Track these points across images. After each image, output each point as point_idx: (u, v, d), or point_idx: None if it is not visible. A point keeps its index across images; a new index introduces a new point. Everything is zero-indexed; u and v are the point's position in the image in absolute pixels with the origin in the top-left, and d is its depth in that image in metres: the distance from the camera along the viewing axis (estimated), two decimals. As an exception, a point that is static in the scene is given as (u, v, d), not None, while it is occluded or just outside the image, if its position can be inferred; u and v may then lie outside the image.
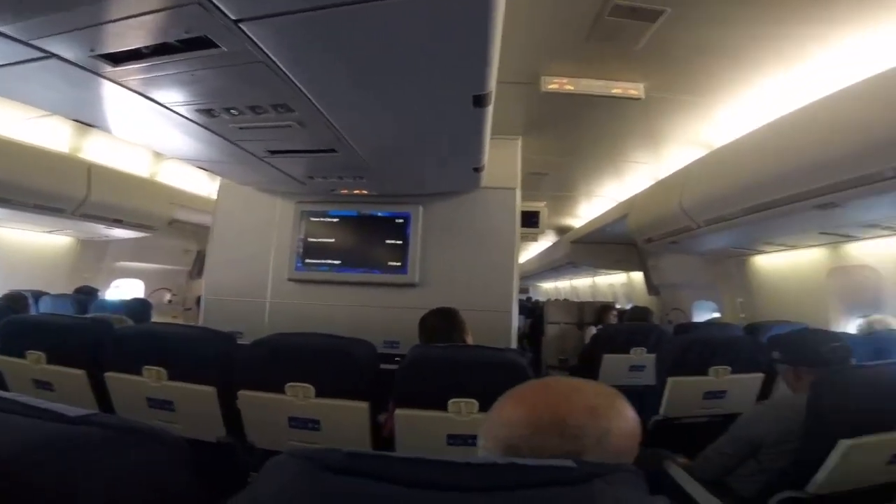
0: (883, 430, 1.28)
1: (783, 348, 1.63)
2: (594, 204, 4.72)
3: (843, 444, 1.26)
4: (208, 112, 1.52)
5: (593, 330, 4.32)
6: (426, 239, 2.69)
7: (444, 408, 1.32)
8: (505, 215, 2.73)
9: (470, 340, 1.75)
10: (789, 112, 2.02)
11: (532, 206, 4.53)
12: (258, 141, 1.85)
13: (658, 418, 2.24)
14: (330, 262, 2.74)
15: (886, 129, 1.53)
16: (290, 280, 2.77)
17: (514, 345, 2.78)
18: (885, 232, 2.38)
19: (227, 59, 1.17)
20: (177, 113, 1.53)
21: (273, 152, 1.98)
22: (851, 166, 1.69)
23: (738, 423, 1.61)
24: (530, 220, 4.60)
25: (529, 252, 8.74)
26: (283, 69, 1.22)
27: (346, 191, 2.65)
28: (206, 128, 1.67)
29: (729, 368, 2.12)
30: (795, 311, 3.10)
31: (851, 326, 2.81)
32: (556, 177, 3.96)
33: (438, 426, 1.34)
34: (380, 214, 2.74)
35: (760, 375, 2.18)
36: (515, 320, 2.76)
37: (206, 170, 2.53)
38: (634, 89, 2.16)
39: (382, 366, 1.62)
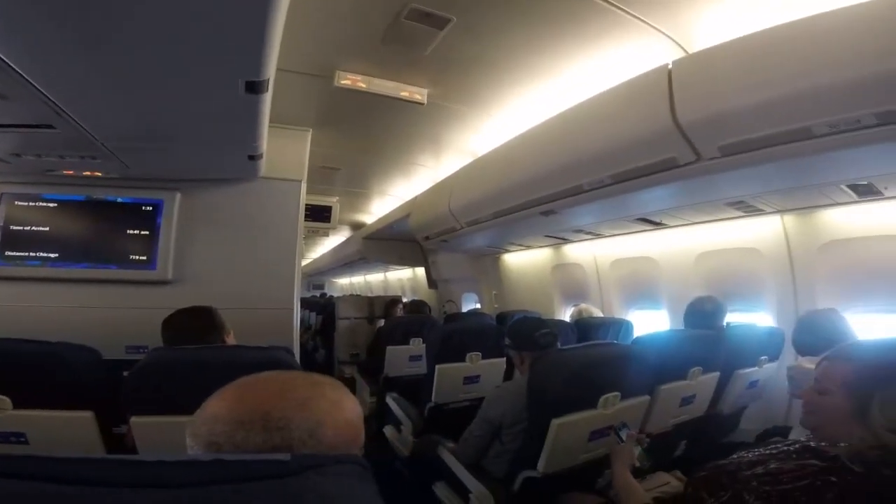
0: (583, 409, 1.42)
1: (509, 335, 1.88)
2: (386, 202, 4.86)
3: (555, 424, 1.36)
4: None
5: (381, 323, 4.54)
6: (186, 230, 2.35)
7: (190, 413, 1.16)
8: (288, 208, 2.59)
9: (231, 341, 1.59)
10: (528, 128, 2.31)
11: (324, 200, 4.44)
12: None
13: (431, 405, 2.46)
14: (43, 254, 2.14)
15: (584, 149, 1.84)
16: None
17: (296, 342, 2.68)
18: (588, 236, 3.08)
19: None
20: None
21: None
22: (562, 179, 2.02)
23: (482, 406, 1.78)
24: (322, 215, 4.50)
25: (324, 247, 8.55)
26: None
27: (71, 172, 2.10)
28: None
29: (480, 354, 2.48)
30: (533, 302, 3.88)
31: (566, 314, 3.67)
32: (349, 172, 3.94)
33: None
34: (120, 200, 2.27)
35: (503, 360, 2.58)
36: (297, 316, 2.66)
37: None
38: (419, 94, 2.28)
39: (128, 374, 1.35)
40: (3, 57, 1.05)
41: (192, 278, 2.35)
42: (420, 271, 6.00)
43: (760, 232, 2.27)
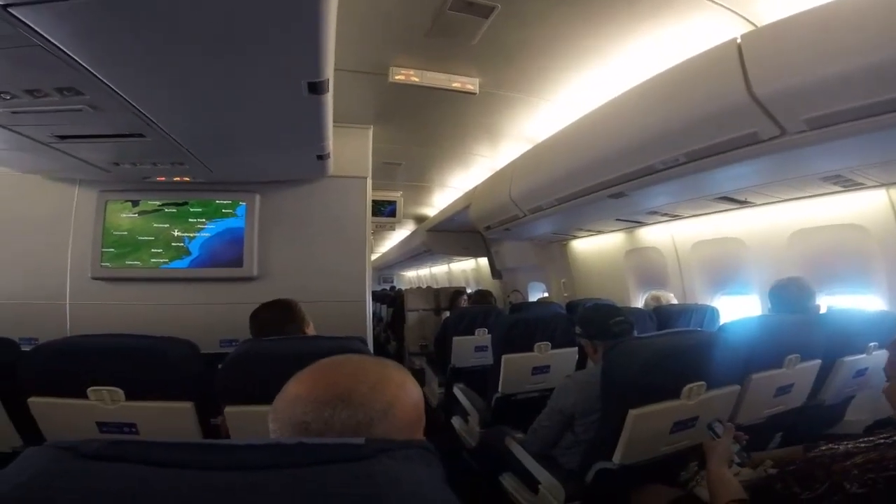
0: (664, 399, 1.35)
1: (580, 324, 1.81)
2: (447, 194, 4.92)
3: (632, 414, 1.31)
4: None
5: (447, 315, 4.60)
6: (266, 229, 2.52)
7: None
8: (356, 204, 2.71)
9: (311, 332, 1.70)
10: (591, 110, 2.24)
11: (388, 195, 4.59)
12: (41, 126, 1.57)
13: (498, 395, 2.43)
14: (142, 255, 2.40)
15: (655, 128, 1.76)
16: (94, 279, 2.36)
17: (369, 333, 2.80)
18: (664, 218, 2.90)
19: None
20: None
21: (62, 137, 1.69)
22: (632, 160, 1.94)
23: (553, 396, 1.73)
24: (387, 210, 4.65)
25: (391, 241, 8.83)
26: (67, 52, 1.04)
27: (163, 178, 2.33)
28: None
29: (549, 344, 2.41)
30: (604, 289, 3.72)
31: (641, 301, 3.48)
32: (410, 167, 4.02)
33: None
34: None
35: (575, 349, 2.49)
36: (370, 308, 2.77)
37: None
38: (471, 84, 2.28)
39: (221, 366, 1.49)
40: (94, 72, 1.17)
41: (273, 274, 2.53)
42: (483, 262, 5.99)
43: (864, 207, 2.02)
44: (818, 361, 1.71)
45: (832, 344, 1.72)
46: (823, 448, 1.02)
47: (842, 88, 1.22)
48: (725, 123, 1.53)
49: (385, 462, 0.38)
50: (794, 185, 2.01)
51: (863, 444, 0.96)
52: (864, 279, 2.12)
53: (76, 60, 1.10)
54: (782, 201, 2.29)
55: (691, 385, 1.36)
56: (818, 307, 1.98)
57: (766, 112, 1.40)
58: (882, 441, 0.94)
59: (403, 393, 0.59)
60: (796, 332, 1.66)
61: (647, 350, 1.35)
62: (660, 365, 1.33)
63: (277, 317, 1.63)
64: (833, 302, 2.14)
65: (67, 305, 2.40)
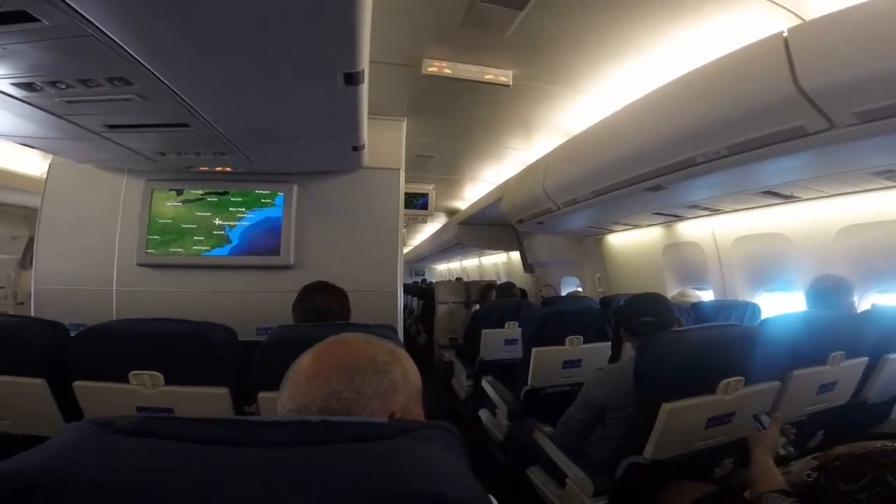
0: (699, 394, 1.33)
1: (616, 317, 1.80)
2: (479, 187, 4.92)
3: (665, 409, 1.29)
4: (28, 86, 1.33)
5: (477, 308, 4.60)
6: (303, 219, 2.59)
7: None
8: (389, 195, 2.74)
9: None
10: (628, 103, 2.21)
11: (420, 188, 4.62)
12: (92, 115, 1.64)
13: (527, 388, 2.41)
14: (185, 243, 2.50)
15: (696, 120, 1.75)
16: (140, 265, 2.48)
17: (400, 323, 2.84)
18: (704, 212, 2.81)
19: (49, 32, 1.02)
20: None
21: (112, 126, 1.77)
22: (671, 152, 1.92)
23: (584, 388, 1.72)
24: (420, 202, 4.69)
25: (423, 234, 8.91)
26: (118, 42, 1.10)
27: (206, 168, 2.43)
28: (25, 102, 1.44)
29: (581, 338, 2.38)
30: (641, 285, 3.61)
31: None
32: (442, 159, 4.04)
33: None
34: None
35: (608, 343, 2.46)
36: (401, 299, 2.82)
37: (33, 147, 2.14)
38: (504, 76, 2.27)
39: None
40: (142, 62, 1.23)
41: (309, 263, 2.58)
42: (515, 255, 5.95)
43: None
44: (864, 359, 1.64)
45: (878, 341, 1.66)
46: (870, 444, 1.00)
47: (891, 82, 1.20)
48: (771, 116, 1.50)
49: (407, 442, 0.39)
50: (842, 179, 1.93)
51: None
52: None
53: (126, 51, 1.15)
54: (830, 196, 2.19)
55: (728, 380, 1.32)
56: (853, 304, 1.91)
57: (814, 105, 1.37)
58: None
59: (409, 363, 0.62)
60: (841, 329, 1.60)
61: (682, 344, 1.32)
62: (695, 359, 1.30)
63: (335, 302, 1.63)
64: (882, 300, 2.04)
65: (114, 291, 2.49)
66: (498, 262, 8.01)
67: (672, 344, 1.34)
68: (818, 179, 1.96)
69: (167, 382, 1.31)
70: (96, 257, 2.50)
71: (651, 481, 1.44)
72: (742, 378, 1.34)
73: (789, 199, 2.28)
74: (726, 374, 1.33)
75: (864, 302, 2.19)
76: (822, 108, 1.37)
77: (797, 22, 1.64)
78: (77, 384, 1.32)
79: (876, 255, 2.15)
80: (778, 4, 1.66)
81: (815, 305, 1.91)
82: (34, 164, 3.75)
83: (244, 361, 1.37)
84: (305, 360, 0.60)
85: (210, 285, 2.53)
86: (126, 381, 1.30)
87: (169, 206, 2.51)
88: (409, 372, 0.61)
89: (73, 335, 1.41)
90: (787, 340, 1.46)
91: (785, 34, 1.39)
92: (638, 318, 1.66)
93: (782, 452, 1.29)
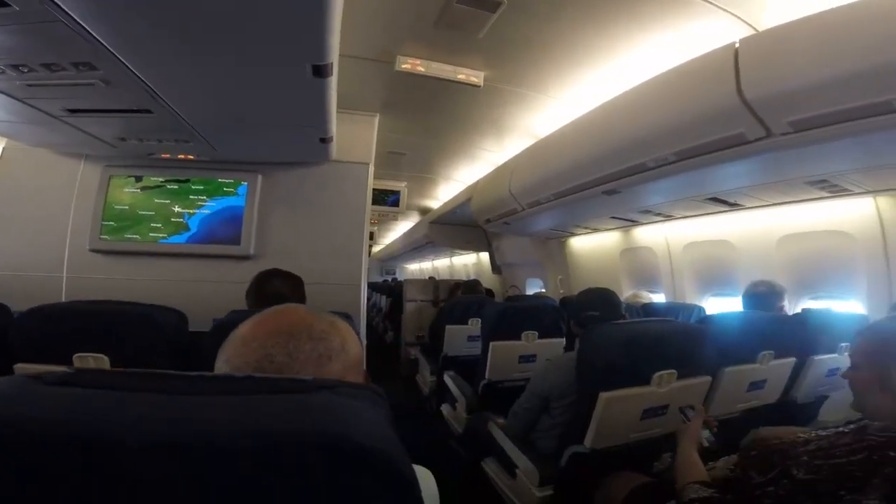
0: (635, 385, 1.39)
1: (567, 311, 1.87)
2: (452, 187, 4.94)
3: (603, 397, 1.35)
4: None
5: (445, 306, 4.64)
6: (266, 209, 2.57)
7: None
8: (357, 189, 2.74)
9: None
10: (590, 109, 2.30)
11: (392, 185, 4.61)
12: (54, 99, 1.62)
13: (485, 382, 2.49)
14: (140, 230, 2.45)
15: (648, 127, 1.82)
16: (92, 251, 2.41)
17: (363, 317, 2.85)
18: (658, 218, 2.93)
19: (19, 17, 1.03)
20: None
21: (73, 111, 1.74)
22: (625, 157, 2.00)
23: (531, 378, 1.78)
24: (391, 199, 4.68)
25: (395, 232, 8.88)
26: (86, 27, 1.10)
27: (167, 155, 2.38)
28: None
29: (537, 333, 2.46)
30: (599, 286, 3.74)
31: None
32: (415, 157, 4.04)
33: None
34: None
35: (562, 340, 2.56)
36: (364, 293, 2.83)
37: None
38: (475, 77, 2.30)
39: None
40: (109, 47, 1.22)
41: (270, 254, 2.57)
42: (484, 256, 6.03)
43: (851, 214, 2.06)
44: (792, 359, 1.75)
45: (806, 343, 1.77)
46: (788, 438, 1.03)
47: (831, 91, 1.26)
48: (714, 124, 1.57)
49: (327, 395, 0.40)
50: (781, 188, 2.04)
51: (823, 433, 0.97)
52: (847, 285, 2.16)
53: (93, 36, 1.15)
54: (772, 205, 2.32)
55: (661, 373, 1.40)
56: (783, 308, 2.03)
57: (753, 112, 1.43)
58: (839, 430, 0.95)
59: (350, 335, 0.63)
60: (771, 330, 1.70)
61: (619, 334, 1.39)
62: (630, 350, 1.37)
63: (290, 290, 1.62)
64: (815, 305, 2.19)
65: (64, 278, 2.42)
66: (468, 263, 8.09)
67: (610, 335, 1.41)
68: (759, 187, 2.08)
69: (113, 365, 1.28)
70: (47, 243, 2.43)
71: (592, 471, 1.50)
72: (674, 371, 1.42)
73: (734, 206, 2.40)
74: (660, 367, 1.40)
75: (799, 307, 2.35)
76: (760, 116, 1.43)
77: (752, 33, 1.71)
78: (18, 367, 1.28)
79: (812, 263, 2.30)
80: (736, 16, 1.72)
81: (751, 308, 2.02)
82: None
83: (194, 348, 1.34)
84: (244, 327, 0.61)
85: (165, 274, 2.48)
86: (69, 363, 1.27)
87: (126, 192, 2.45)
88: (347, 342, 0.61)
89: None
90: (719, 338, 1.55)
91: (737, 45, 1.46)
92: (585, 311, 1.73)
93: (706, 444, 1.33)
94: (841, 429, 0.96)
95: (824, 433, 0.95)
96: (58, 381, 0.40)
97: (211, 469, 0.34)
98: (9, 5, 0.99)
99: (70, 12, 1.04)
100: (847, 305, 2.21)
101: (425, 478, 0.65)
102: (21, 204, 2.43)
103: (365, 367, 0.69)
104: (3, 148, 2.45)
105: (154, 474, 0.34)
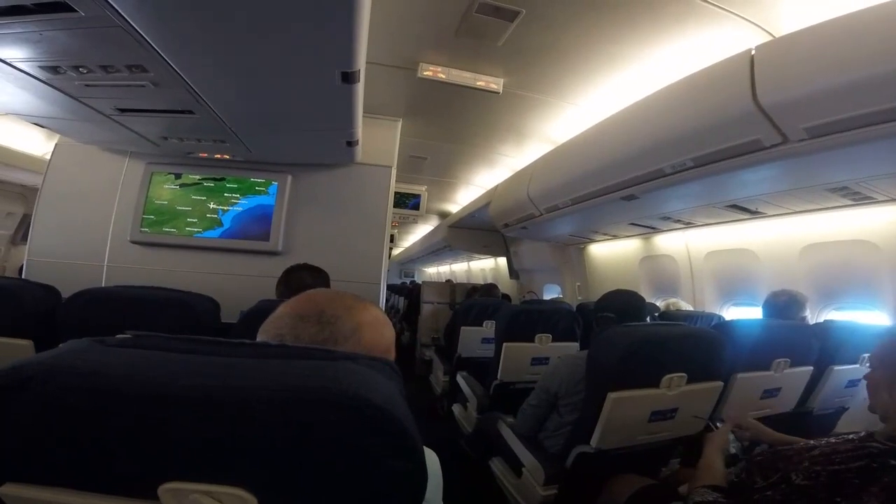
0: (644, 387, 1.40)
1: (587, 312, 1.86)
2: (471, 191, 4.98)
3: (611, 397, 1.36)
4: (53, 69, 1.43)
5: (462, 308, 4.67)
6: (294, 208, 2.69)
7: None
8: (379, 191, 2.84)
9: None
10: (608, 115, 2.32)
11: (413, 188, 4.69)
12: (107, 98, 1.74)
13: (496, 382, 2.52)
14: (178, 224, 2.60)
15: (666, 132, 1.83)
16: (133, 242, 2.56)
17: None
18: (678, 225, 2.91)
19: (83, 22, 1.13)
20: (14, 67, 1.40)
21: (123, 110, 1.87)
22: (643, 163, 2.01)
23: (541, 376, 1.80)
24: (412, 203, 4.76)
25: (415, 235, 8.97)
26: (142, 33, 1.21)
27: (205, 154, 2.52)
28: (47, 83, 1.54)
29: (550, 336, 2.49)
30: (617, 295, 3.73)
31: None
32: (435, 162, 4.12)
33: None
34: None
35: (576, 344, 2.57)
36: (384, 292, 2.91)
37: (44, 126, 2.24)
38: (495, 83, 2.36)
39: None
40: (160, 52, 1.33)
41: (296, 250, 2.68)
42: (502, 262, 6.04)
43: (875, 223, 2.02)
44: (809, 368, 1.73)
45: (825, 352, 1.74)
46: (799, 444, 1.03)
47: (842, 98, 1.26)
48: (730, 130, 1.58)
49: (350, 364, 0.46)
50: (802, 196, 2.02)
51: (832, 440, 0.97)
52: (872, 296, 2.12)
53: (147, 40, 1.25)
54: (795, 213, 2.29)
55: (671, 375, 1.42)
56: (806, 318, 2.00)
57: (770, 120, 1.43)
58: (848, 437, 0.96)
59: (375, 322, 0.67)
60: (787, 337, 1.69)
61: (629, 336, 1.41)
62: (640, 351, 1.39)
63: (318, 281, 1.72)
64: (840, 317, 2.15)
65: (105, 267, 2.59)
66: (486, 268, 8.11)
67: (621, 336, 1.43)
68: (780, 194, 2.06)
69: None
70: (91, 234, 2.59)
71: (597, 471, 1.51)
72: (685, 375, 1.44)
73: (755, 214, 2.38)
74: (670, 370, 1.42)
75: (822, 318, 2.32)
76: (776, 122, 1.43)
77: (768, 39, 1.72)
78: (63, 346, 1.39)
79: (836, 273, 2.26)
80: (753, 23, 1.72)
81: (770, 318, 1.99)
82: (35, 144, 3.83)
83: (225, 335, 1.42)
84: (280, 307, 0.68)
85: (198, 266, 2.62)
86: None
87: (166, 188, 2.60)
88: (363, 328, 0.65)
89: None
90: (731, 343, 1.55)
91: (753, 51, 1.46)
92: (601, 312, 1.76)
93: (732, 451, 1.33)
94: (851, 436, 0.96)
95: (833, 440, 0.96)
96: (120, 344, 0.48)
97: (246, 417, 0.40)
98: (75, 10, 1.09)
99: (128, 18, 1.14)
100: (871, 316, 2.16)
101: (430, 457, 0.69)
102: (70, 197, 2.60)
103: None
104: (56, 144, 2.63)
105: (200, 421, 0.40)
